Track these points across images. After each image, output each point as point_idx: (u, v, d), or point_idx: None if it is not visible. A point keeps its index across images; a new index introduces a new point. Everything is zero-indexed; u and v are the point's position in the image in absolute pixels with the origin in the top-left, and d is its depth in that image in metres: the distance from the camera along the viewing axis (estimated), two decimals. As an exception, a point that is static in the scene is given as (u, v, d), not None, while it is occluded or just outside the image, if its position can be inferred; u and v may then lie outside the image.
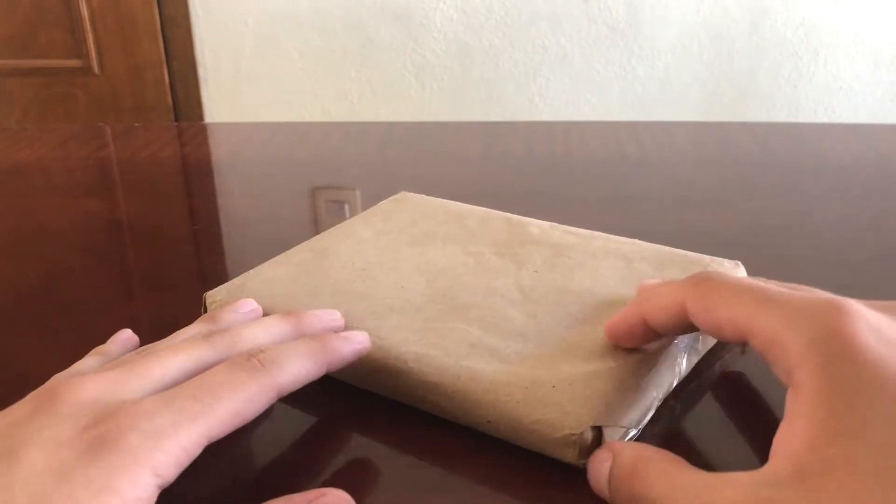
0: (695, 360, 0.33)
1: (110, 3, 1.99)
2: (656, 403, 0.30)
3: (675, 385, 0.32)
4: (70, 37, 2.02)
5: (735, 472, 0.22)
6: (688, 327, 0.29)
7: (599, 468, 0.26)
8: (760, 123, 0.75)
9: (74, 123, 1.62)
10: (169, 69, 2.06)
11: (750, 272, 0.38)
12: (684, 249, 0.39)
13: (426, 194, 0.48)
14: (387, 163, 0.65)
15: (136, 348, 0.33)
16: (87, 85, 2.08)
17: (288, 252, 0.41)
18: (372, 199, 0.48)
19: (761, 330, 0.25)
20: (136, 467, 0.23)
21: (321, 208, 0.56)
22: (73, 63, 2.05)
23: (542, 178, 0.60)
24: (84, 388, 0.25)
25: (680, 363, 0.32)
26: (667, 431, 0.30)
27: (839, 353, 0.23)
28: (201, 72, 2.06)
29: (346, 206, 0.56)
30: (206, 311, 0.37)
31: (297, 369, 0.28)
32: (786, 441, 0.22)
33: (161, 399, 0.25)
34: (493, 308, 0.35)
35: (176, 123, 1.65)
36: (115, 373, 0.26)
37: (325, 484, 0.27)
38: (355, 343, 0.31)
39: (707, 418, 0.31)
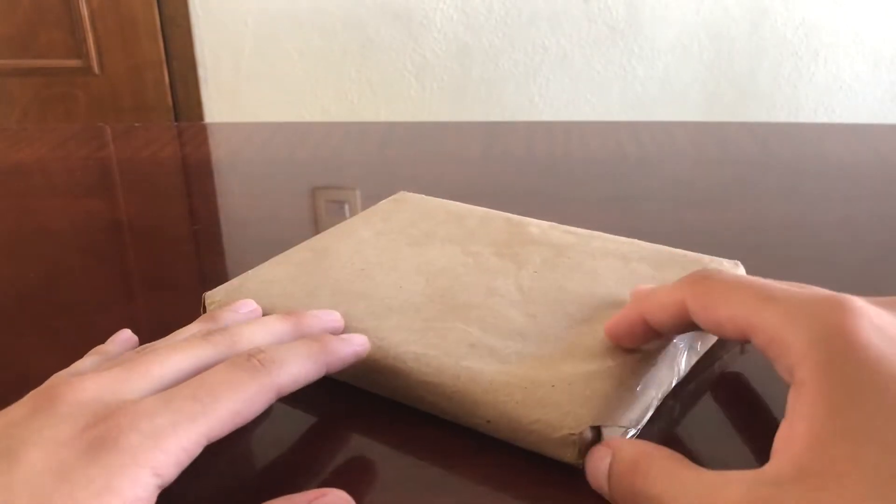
0: (694, 359, 0.33)
1: (110, 3, 1.99)
2: (655, 403, 0.30)
3: (674, 385, 0.32)
4: (70, 37, 2.02)
5: (736, 471, 0.22)
6: (688, 326, 0.29)
7: (598, 465, 0.26)
8: (760, 123, 0.75)
9: (74, 123, 1.62)
10: (169, 69, 2.06)
11: (750, 272, 0.38)
12: (684, 249, 0.39)
13: (426, 194, 0.48)
14: (387, 163, 0.65)
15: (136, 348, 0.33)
16: (87, 85, 2.08)
17: (287, 252, 0.41)
18: (372, 199, 0.48)
19: (763, 327, 0.25)
20: (135, 467, 0.23)
21: (321, 208, 0.56)
22: (73, 63, 2.05)
23: (542, 178, 0.60)
24: (83, 388, 0.25)
25: (679, 363, 0.32)
26: (666, 431, 0.30)
27: (841, 351, 0.23)
28: (201, 72, 2.06)
29: (346, 206, 0.56)
30: (205, 312, 0.37)
31: (297, 370, 0.28)
32: (787, 440, 0.22)
33: (161, 399, 0.25)
34: (492, 308, 0.35)
35: (176, 123, 1.65)
36: (115, 372, 0.26)
37: (325, 484, 0.27)
38: (355, 345, 0.31)
39: (706, 418, 0.31)
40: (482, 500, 0.28)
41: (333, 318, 0.34)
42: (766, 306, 0.25)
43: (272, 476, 0.29)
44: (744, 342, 0.27)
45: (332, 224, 0.45)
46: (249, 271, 0.39)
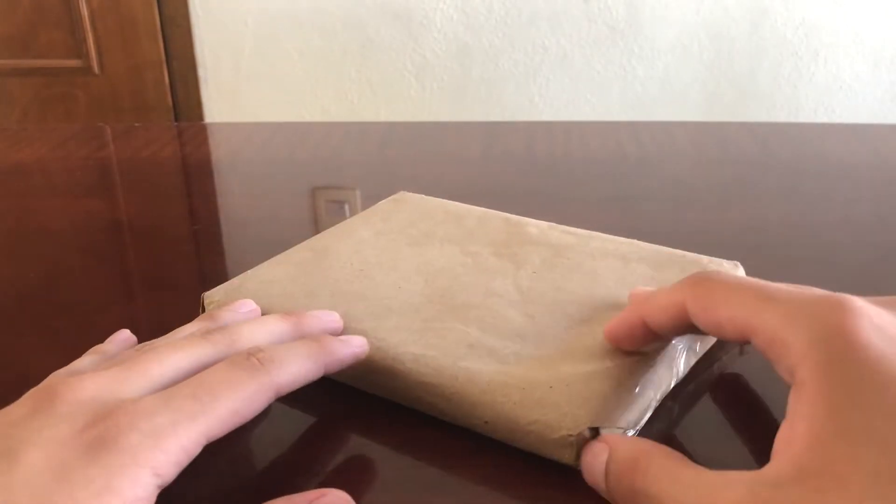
0: (693, 361, 0.33)
1: (110, 3, 1.99)
2: (654, 404, 0.30)
3: (672, 386, 0.32)
4: (70, 37, 2.02)
5: (737, 472, 0.22)
6: (688, 328, 0.29)
7: (594, 461, 0.26)
8: (760, 123, 0.75)
9: (74, 123, 1.62)
10: (169, 69, 2.06)
11: (750, 273, 0.38)
12: (684, 250, 0.39)
13: (426, 194, 0.48)
14: (387, 163, 0.65)
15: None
16: (87, 85, 2.08)
17: (286, 252, 0.41)
18: (372, 199, 0.48)
19: (763, 328, 0.25)
20: (135, 467, 0.23)
21: (321, 208, 0.56)
22: (73, 63, 2.05)
23: (542, 178, 0.60)
24: (82, 387, 0.25)
25: (678, 364, 0.32)
26: (664, 432, 0.30)
27: (841, 351, 0.23)
28: (201, 72, 2.06)
29: (346, 206, 0.56)
30: (204, 312, 0.37)
31: (296, 369, 0.28)
32: (787, 440, 0.22)
33: (160, 398, 0.25)
34: (491, 309, 0.35)
35: (176, 123, 1.65)
36: (114, 371, 0.26)
37: (325, 484, 0.27)
38: (354, 346, 0.31)
39: (705, 419, 0.31)
40: (481, 500, 0.28)
41: (333, 318, 0.34)
42: (765, 307, 0.25)
43: (272, 476, 0.29)
44: (744, 343, 0.27)
45: (332, 224, 0.45)
46: (249, 271, 0.39)
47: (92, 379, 0.26)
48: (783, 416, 0.23)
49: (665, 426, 0.31)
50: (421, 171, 0.63)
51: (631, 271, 0.38)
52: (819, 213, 0.53)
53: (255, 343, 0.29)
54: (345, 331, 0.34)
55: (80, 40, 2.02)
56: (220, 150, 0.70)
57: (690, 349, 0.33)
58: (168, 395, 0.25)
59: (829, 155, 0.65)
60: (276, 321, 0.32)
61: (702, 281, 0.28)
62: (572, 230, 0.42)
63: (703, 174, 0.61)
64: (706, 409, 0.32)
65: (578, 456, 0.27)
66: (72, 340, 0.37)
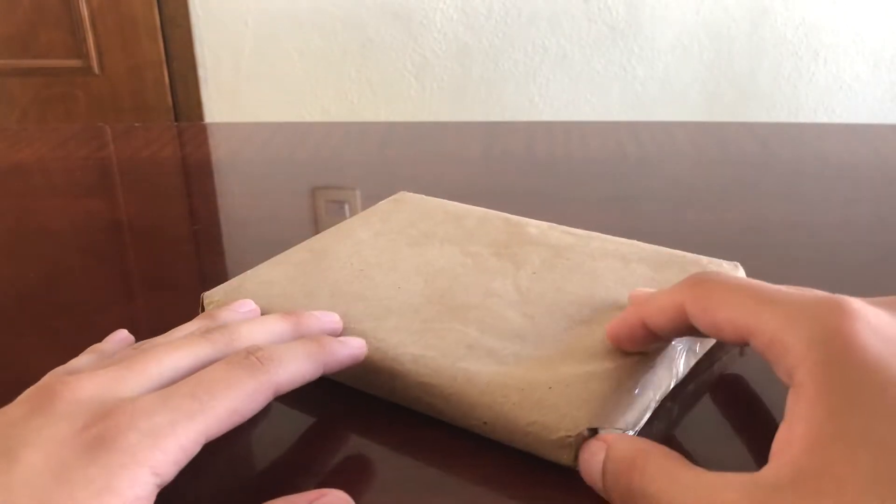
0: (692, 361, 0.33)
1: (110, 3, 1.99)
2: (653, 405, 0.30)
3: (672, 387, 0.32)
4: (70, 37, 2.02)
5: (735, 473, 0.22)
6: (688, 330, 0.29)
7: (591, 460, 0.26)
8: (760, 123, 0.75)
9: (74, 123, 1.62)
10: (169, 69, 2.06)
11: (750, 273, 0.38)
12: (684, 250, 0.39)
13: (426, 194, 0.48)
14: (387, 163, 0.65)
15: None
16: (87, 85, 2.08)
17: (286, 252, 0.41)
18: (372, 199, 0.48)
19: (762, 330, 0.25)
20: (134, 467, 0.23)
21: (321, 208, 0.56)
22: (73, 63, 2.05)
23: (542, 178, 0.60)
24: (81, 387, 0.25)
25: (678, 365, 0.32)
26: (664, 433, 0.30)
27: (839, 354, 0.23)
28: (201, 72, 2.06)
29: (346, 206, 0.56)
30: (203, 312, 0.37)
31: (295, 368, 0.28)
32: (785, 443, 0.22)
33: (159, 397, 0.25)
34: (490, 309, 0.35)
35: (176, 123, 1.65)
36: (113, 370, 0.26)
37: (324, 484, 0.27)
38: (352, 348, 0.31)
39: (704, 420, 0.31)
40: (480, 500, 0.28)
41: (332, 319, 0.34)
42: (764, 309, 0.25)
43: (271, 476, 0.29)
44: (743, 345, 0.27)
45: (332, 224, 0.45)
46: (248, 271, 0.39)
47: (90, 378, 0.26)
48: (783, 417, 0.23)
49: (664, 427, 0.31)
50: (421, 171, 0.63)
51: (631, 272, 0.38)
52: (819, 213, 0.53)
53: (255, 342, 0.29)
54: (344, 331, 0.34)
55: (80, 40, 2.02)
56: (220, 150, 0.70)
57: (690, 350, 0.33)
58: (167, 394, 0.25)
59: (829, 155, 0.65)
60: (275, 321, 0.32)
61: (701, 282, 0.28)
62: (572, 230, 0.42)
63: (703, 174, 0.61)
64: (706, 410, 0.32)
65: (577, 457, 0.27)
66: (72, 340, 0.37)
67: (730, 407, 0.33)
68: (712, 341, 0.34)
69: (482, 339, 0.32)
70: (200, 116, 2.09)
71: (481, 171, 0.63)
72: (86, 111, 2.09)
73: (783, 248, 0.48)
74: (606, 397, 0.29)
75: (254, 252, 0.43)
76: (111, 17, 2.01)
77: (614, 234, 0.41)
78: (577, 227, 0.42)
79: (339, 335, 0.33)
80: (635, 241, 0.40)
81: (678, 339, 0.32)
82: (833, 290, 0.27)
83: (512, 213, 0.44)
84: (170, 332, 0.31)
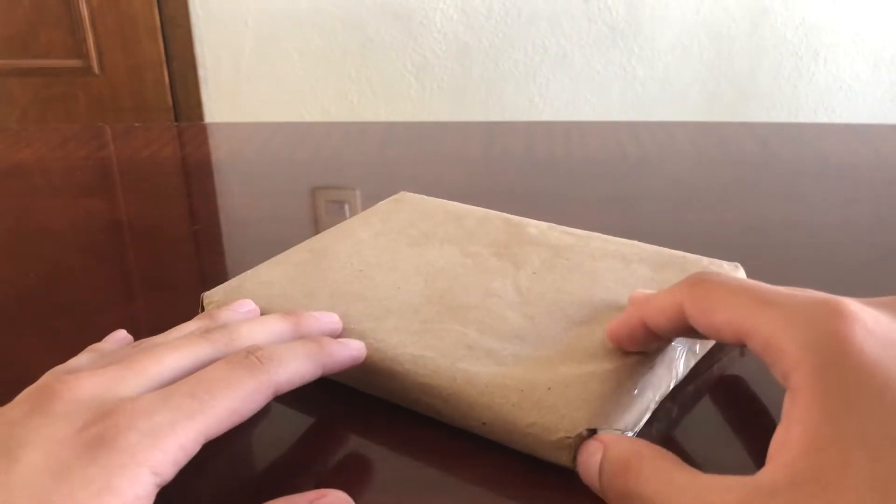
0: (692, 362, 0.33)
1: (110, 3, 1.99)
2: (653, 406, 0.30)
3: (672, 388, 0.32)
4: (70, 37, 2.02)
5: (731, 476, 0.22)
6: (687, 330, 0.29)
7: (589, 460, 0.26)
8: (760, 123, 0.75)
9: (74, 123, 1.62)
10: (169, 69, 2.06)
11: (750, 273, 0.38)
12: (684, 250, 0.39)
13: (426, 194, 0.48)
14: (387, 163, 0.65)
15: (133, 347, 0.33)
16: (87, 85, 2.08)
17: (286, 252, 0.41)
18: (372, 199, 0.48)
19: (759, 332, 0.25)
20: (134, 466, 0.23)
21: (321, 208, 0.56)
22: (73, 63, 2.05)
23: (542, 178, 0.60)
24: (80, 386, 0.25)
25: (677, 366, 0.32)
26: (663, 434, 0.30)
27: (836, 357, 0.23)
28: (201, 72, 2.06)
29: (346, 206, 0.56)
30: (203, 312, 0.37)
31: (295, 368, 0.28)
32: (781, 446, 0.22)
33: (158, 397, 0.25)
34: (490, 310, 0.35)
35: (176, 123, 1.65)
36: (112, 370, 0.26)
37: (324, 484, 0.27)
38: (352, 349, 0.31)
39: (704, 421, 0.31)
40: (480, 500, 0.28)
41: (332, 320, 0.34)
42: (762, 311, 0.25)
43: (271, 476, 0.29)
44: (742, 346, 0.27)
45: (332, 224, 0.45)
46: (248, 272, 0.39)
47: (90, 378, 0.26)
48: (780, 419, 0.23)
49: (664, 428, 0.31)
50: (421, 171, 0.63)
51: (631, 272, 0.38)
52: (819, 213, 0.53)
53: (254, 342, 0.29)
54: (344, 331, 0.34)
55: (80, 40, 2.02)
56: (220, 150, 0.70)
57: (690, 351, 0.33)
58: (166, 393, 0.25)
59: (829, 155, 0.65)
60: (275, 321, 0.32)
61: (700, 282, 0.28)
62: (572, 231, 0.42)
63: (703, 174, 0.61)
64: (705, 411, 0.32)
65: (576, 458, 0.27)
66: (72, 340, 0.37)
67: (729, 408, 0.33)
68: (712, 342, 0.34)
69: (482, 340, 0.32)
70: (200, 116, 2.09)
71: (481, 171, 0.63)
72: (86, 111, 2.09)
73: (783, 248, 0.48)
74: (606, 398, 0.29)
75: (254, 252, 0.43)
76: (111, 17, 2.01)
77: (614, 235, 0.41)
78: (577, 227, 0.42)
79: (339, 335, 0.33)
80: (635, 242, 0.40)
81: (678, 340, 0.32)
82: (833, 291, 0.26)
83: (512, 213, 0.44)
84: (169, 331, 0.31)
